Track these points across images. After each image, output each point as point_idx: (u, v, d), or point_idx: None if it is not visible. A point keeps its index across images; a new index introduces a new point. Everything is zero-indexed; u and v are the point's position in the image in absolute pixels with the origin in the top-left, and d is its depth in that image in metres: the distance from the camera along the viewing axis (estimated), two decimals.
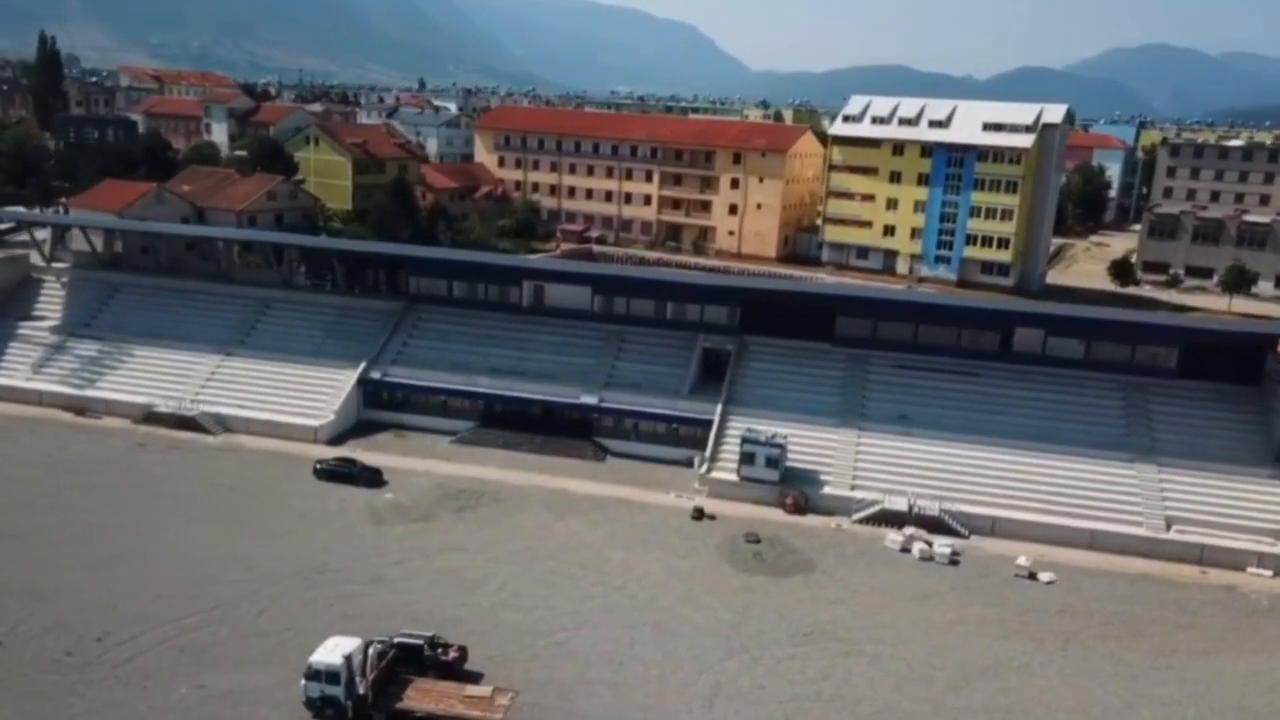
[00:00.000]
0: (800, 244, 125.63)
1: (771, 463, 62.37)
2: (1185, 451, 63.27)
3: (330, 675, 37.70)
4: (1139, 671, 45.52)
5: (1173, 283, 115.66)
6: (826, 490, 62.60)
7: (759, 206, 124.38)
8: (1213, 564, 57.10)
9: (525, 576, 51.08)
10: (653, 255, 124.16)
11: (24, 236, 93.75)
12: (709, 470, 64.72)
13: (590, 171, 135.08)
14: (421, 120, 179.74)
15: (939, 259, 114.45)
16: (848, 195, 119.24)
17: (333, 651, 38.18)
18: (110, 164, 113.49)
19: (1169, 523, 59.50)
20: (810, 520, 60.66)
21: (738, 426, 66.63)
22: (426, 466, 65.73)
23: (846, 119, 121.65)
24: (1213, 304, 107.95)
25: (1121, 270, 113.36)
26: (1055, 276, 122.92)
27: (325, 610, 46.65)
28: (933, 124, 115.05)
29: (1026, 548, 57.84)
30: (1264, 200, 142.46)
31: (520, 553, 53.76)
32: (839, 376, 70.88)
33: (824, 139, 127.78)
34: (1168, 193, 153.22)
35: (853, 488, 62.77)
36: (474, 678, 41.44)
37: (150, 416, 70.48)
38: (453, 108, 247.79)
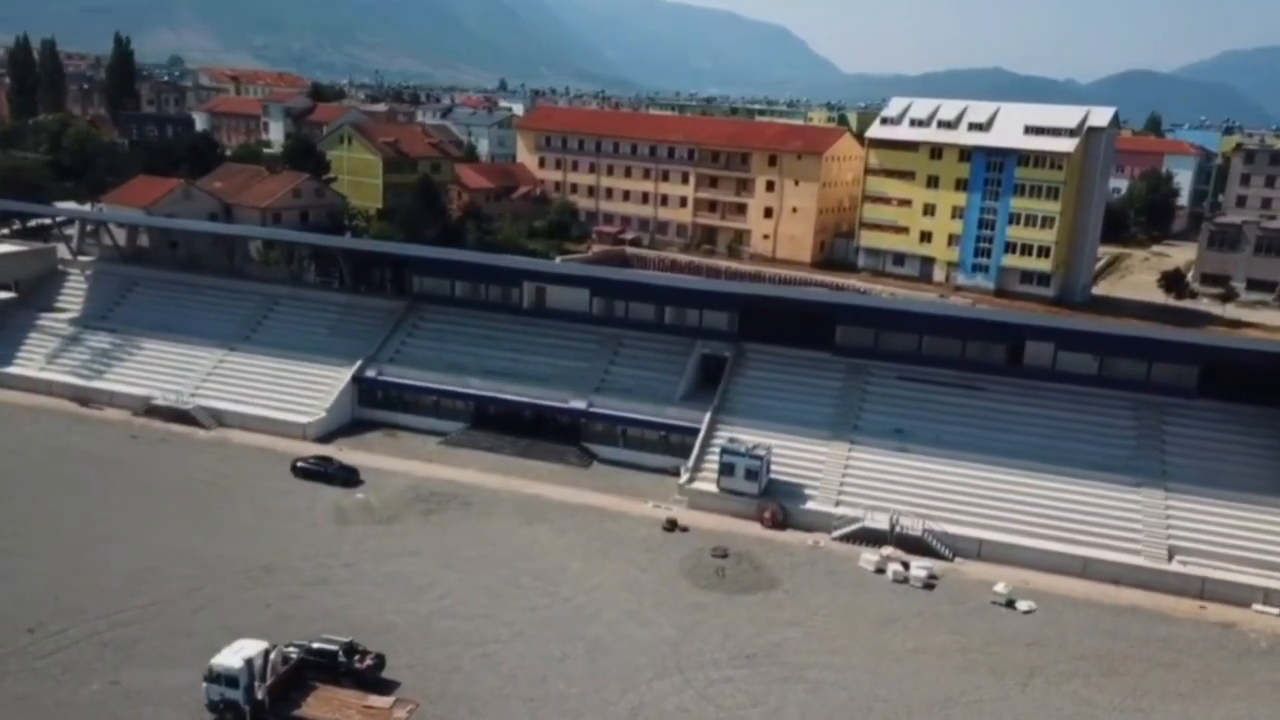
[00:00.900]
0: (837, 249, 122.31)
1: (751, 474, 60.29)
2: (1197, 477, 59.24)
3: (229, 679, 37.20)
4: (1101, 713, 42.45)
5: (1228, 297, 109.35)
6: (809, 505, 60.29)
7: (794, 210, 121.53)
8: (1215, 599, 53.23)
9: (473, 584, 50.09)
10: (685, 258, 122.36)
11: (72, 230, 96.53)
12: (691, 480, 62.92)
13: (627, 173, 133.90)
14: (474, 120, 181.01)
15: (976, 267, 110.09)
16: (884, 200, 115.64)
17: (234, 655, 37.67)
18: (154, 161, 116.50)
19: (1171, 553, 55.70)
20: (787, 536, 58.43)
21: (726, 436, 64.66)
22: (407, 467, 65.30)
23: (884, 121, 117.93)
24: (1271, 319, 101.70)
25: (1173, 282, 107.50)
26: (1108, 288, 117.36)
27: (261, 611, 46.29)
28: (972, 127, 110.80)
29: (1013, 573, 54.74)
30: None
31: (475, 559, 52.79)
32: (836, 387, 68.36)
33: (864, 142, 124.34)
34: (1241, 201, 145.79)
35: (837, 503, 60.32)
36: (389, 687, 40.55)
37: (149, 409, 71.51)
38: (519, 109, 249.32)
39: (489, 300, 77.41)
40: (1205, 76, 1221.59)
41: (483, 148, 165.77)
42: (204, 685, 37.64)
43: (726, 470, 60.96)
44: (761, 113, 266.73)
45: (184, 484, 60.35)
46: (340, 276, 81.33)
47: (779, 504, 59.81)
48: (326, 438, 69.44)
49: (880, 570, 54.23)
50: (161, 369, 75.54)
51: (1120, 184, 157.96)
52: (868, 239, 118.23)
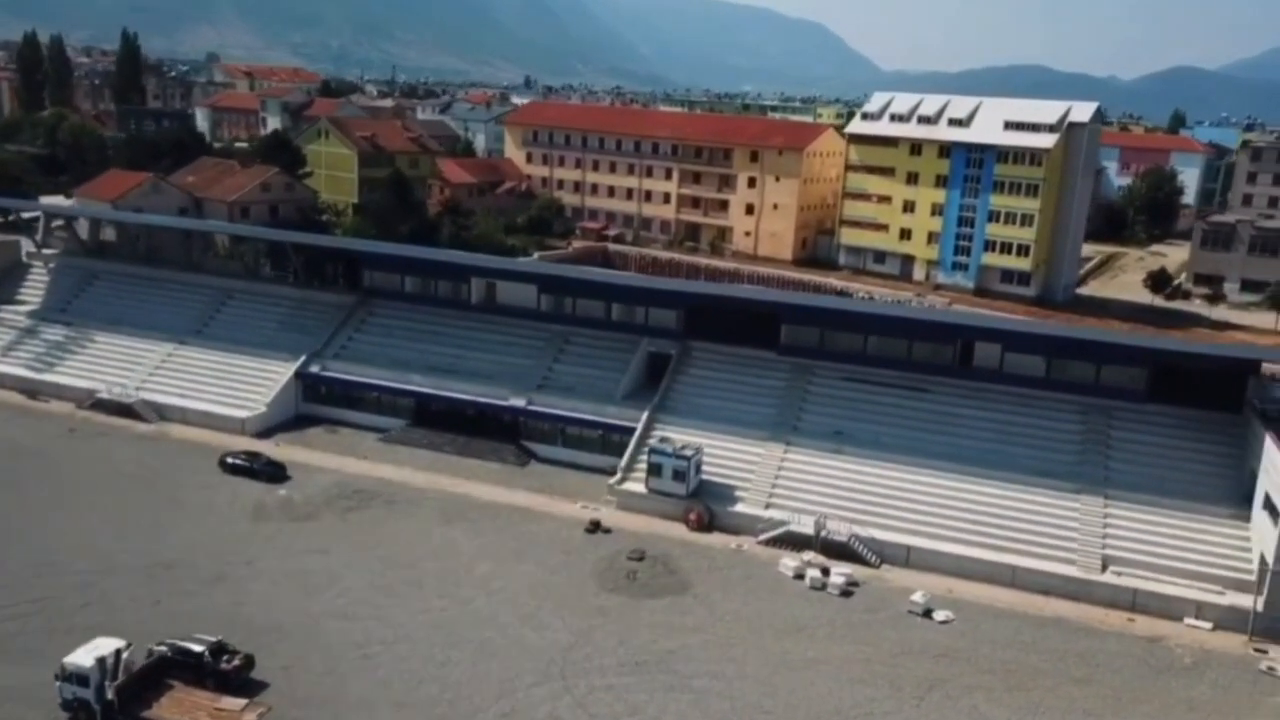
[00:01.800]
0: (820, 247, 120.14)
1: (678, 475, 58.95)
2: (1140, 484, 57.08)
3: (80, 678, 36.60)
4: None
5: (1215, 298, 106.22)
6: (738, 507, 58.88)
7: (775, 207, 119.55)
8: (1146, 612, 51.18)
9: (373, 584, 49.23)
10: (666, 255, 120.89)
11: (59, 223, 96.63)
12: (622, 481, 61.71)
13: (612, 168, 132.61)
14: (472, 116, 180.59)
15: (956, 265, 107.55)
16: (864, 196, 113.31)
17: (87, 653, 37.07)
18: (139, 155, 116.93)
19: (1105, 563, 53.65)
20: (712, 539, 57.08)
21: (662, 435, 63.38)
22: (340, 464, 64.62)
23: (865, 116, 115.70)
24: (1260, 321, 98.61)
25: (1159, 282, 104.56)
26: (1098, 288, 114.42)
27: (149, 608, 45.75)
28: (952, 122, 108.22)
29: (939, 581, 53.11)
30: None
31: (382, 559, 51.93)
32: (779, 387, 66.82)
33: None
34: (1247, 200, 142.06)
35: (767, 506, 58.83)
36: (256, 688, 39.82)
37: (94, 403, 71.38)
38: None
39: (439, 296, 76.69)
40: (1252, 73, 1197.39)
41: (479, 143, 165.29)
42: (57, 684, 37.01)
43: (654, 471, 59.70)
44: (774, 109, 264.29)
45: (109, 478, 60.06)
46: (295, 271, 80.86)
47: (705, 506, 58.45)
48: (266, 433, 68.90)
49: (799, 576, 52.74)
50: (111, 362, 75.46)
51: (1126, 182, 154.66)
52: (848, 236, 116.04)
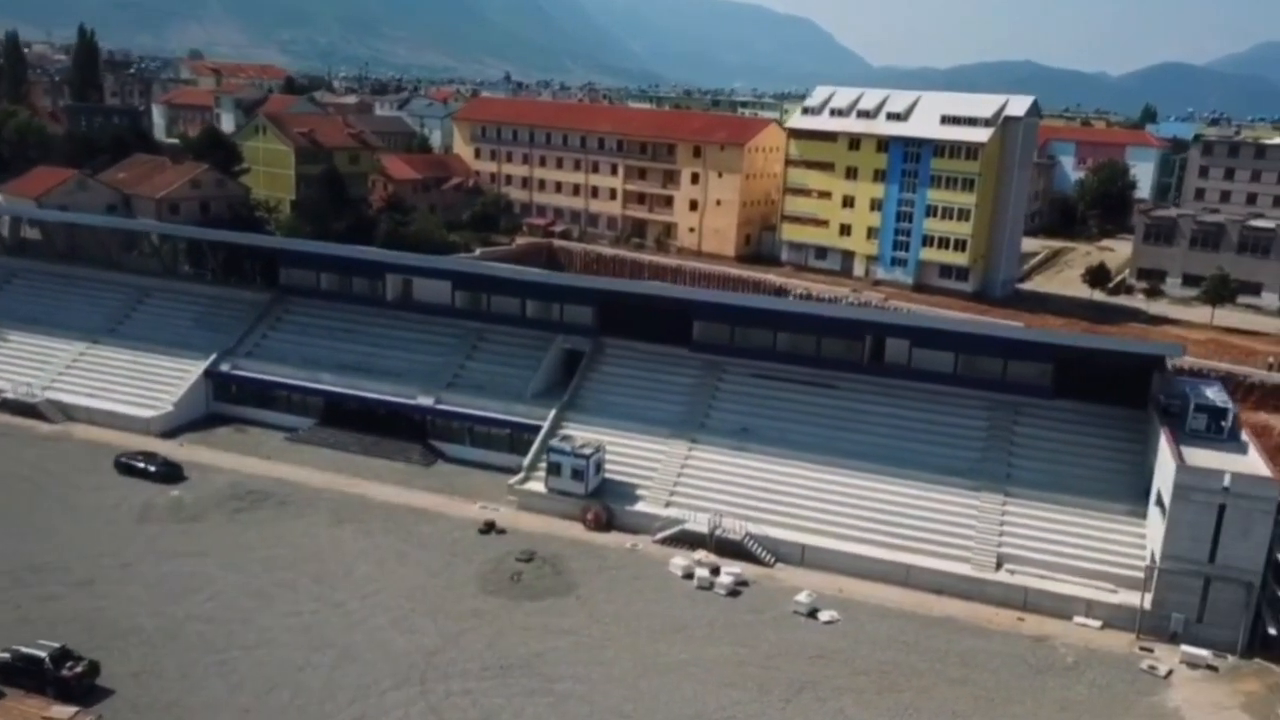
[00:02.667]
0: (765, 243, 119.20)
1: (577, 474, 58.17)
2: (1041, 481, 56.48)
3: None
4: None
5: (1153, 292, 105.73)
6: (638, 506, 58.12)
7: (718, 203, 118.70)
8: (1037, 610, 50.63)
9: (246, 587, 48.29)
10: (610, 252, 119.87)
11: None
12: (525, 480, 60.89)
13: (559, 164, 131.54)
14: (429, 112, 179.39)
15: (895, 261, 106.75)
16: (805, 192, 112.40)
17: None
18: (78, 152, 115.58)
19: (1000, 561, 53.08)
20: (608, 538, 56.30)
21: (570, 434, 62.58)
22: (241, 464, 63.62)
23: (806, 111, 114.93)
24: (1196, 316, 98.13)
25: (1097, 277, 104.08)
26: (1042, 283, 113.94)
27: (9, 613, 44.70)
28: (890, 116, 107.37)
29: (831, 580, 52.47)
30: None
31: (262, 560, 51.01)
32: (690, 384, 66.04)
33: None
34: (1199, 194, 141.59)
35: (667, 504, 58.10)
36: (99, 695, 38.93)
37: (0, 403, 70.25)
38: None
39: (355, 293, 75.72)
40: (1240, 69, 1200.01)
41: (435, 139, 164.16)
42: None
43: (554, 470, 58.91)
44: (745, 105, 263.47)
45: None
46: (213, 269, 79.82)
47: (604, 505, 57.67)
48: (172, 433, 67.87)
49: (688, 576, 51.99)
50: (22, 362, 74.18)
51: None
52: (790, 232, 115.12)
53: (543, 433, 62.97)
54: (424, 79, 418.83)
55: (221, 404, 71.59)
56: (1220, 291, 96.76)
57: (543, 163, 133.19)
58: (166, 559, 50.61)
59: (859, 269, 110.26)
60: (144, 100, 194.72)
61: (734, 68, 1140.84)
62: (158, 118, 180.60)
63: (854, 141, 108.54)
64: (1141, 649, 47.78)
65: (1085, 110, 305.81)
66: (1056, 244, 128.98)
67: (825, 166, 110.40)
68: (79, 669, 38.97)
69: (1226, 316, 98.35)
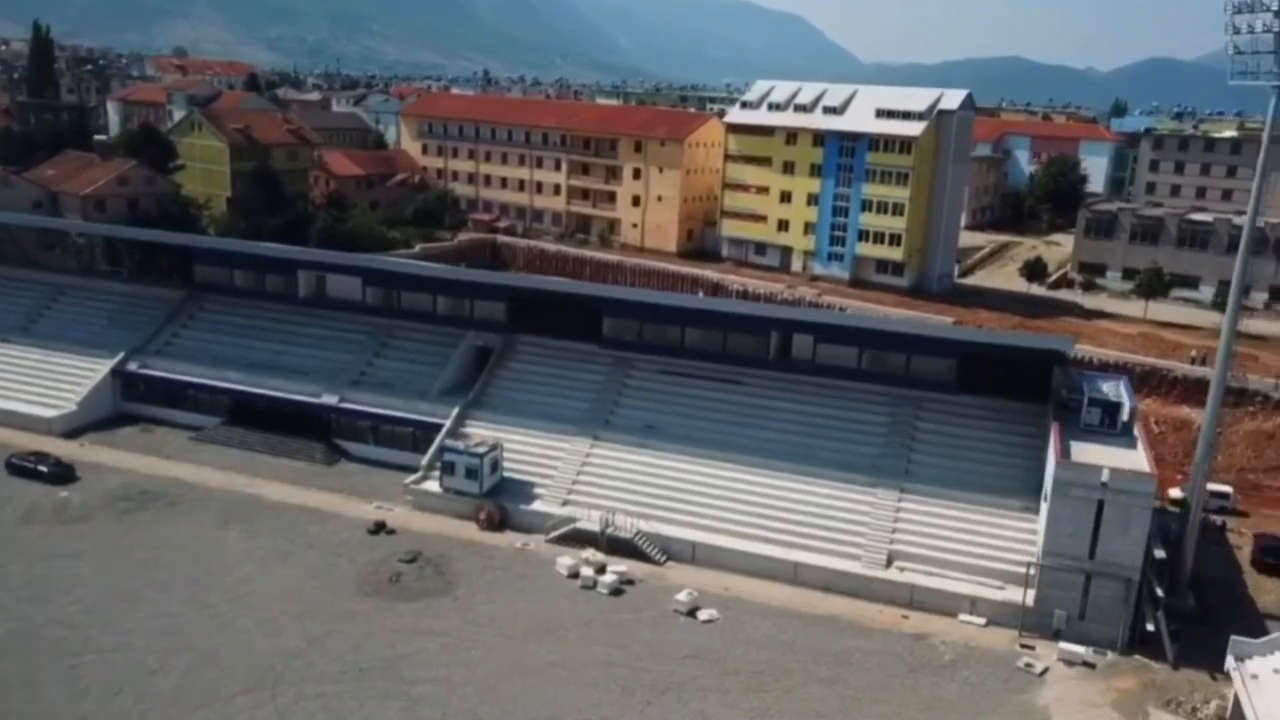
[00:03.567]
0: (707, 239, 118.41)
1: (471, 473, 57.46)
2: (939, 477, 55.96)
3: None
4: None
5: (1089, 286, 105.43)
6: (533, 505, 57.46)
7: (660, 198, 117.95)
8: (924, 608, 50.12)
9: (116, 589, 47.50)
10: (553, 248, 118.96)
11: None
12: (421, 480, 60.15)
13: (504, 159, 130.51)
14: (384, 108, 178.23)
15: (832, 256, 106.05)
16: (743, 187, 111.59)
17: None
18: (12, 149, 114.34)
19: (891, 558, 52.59)
20: (500, 538, 55.64)
21: (473, 432, 61.92)
22: (138, 464, 62.74)
23: (744, 105, 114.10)
24: (1132, 310, 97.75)
25: (1035, 272, 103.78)
26: (984, 278, 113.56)
27: None
28: (826, 110, 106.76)
29: (719, 578, 51.92)
30: None
31: (137, 562, 50.23)
32: (598, 381, 65.38)
33: None
34: (1150, 188, 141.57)
35: (564, 503, 57.48)
36: None
37: None
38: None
39: (268, 290, 74.87)
40: (1225, 64, 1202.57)
41: (390, 135, 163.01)
42: None
43: (448, 469, 58.22)
44: (714, 100, 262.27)
45: None
46: (128, 266, 78.82)
47: (496, 504, 57.00)
48: (75, 433, 66.96)
49: (573, 575, 51.38)
50: None
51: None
52: (729, 228, 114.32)
53: (443, 432, 62.22)
54: (413, 76, 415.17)
55: (130, 403, 70.69)
56: (1154, 285, 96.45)
57: (488, 158, 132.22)
58: (40, 561, 49.78)
59: (797, 265, 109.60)
60: (100, 97, 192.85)
61: (725, 64, 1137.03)
62: (112, 114, 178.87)
63: (790, 136, 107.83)
64: (1023, 646, 47.35)
65: (1075, 106, 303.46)
66: (1004, 238, 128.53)
67: (763, 161, 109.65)
68: None
69: (1163, 310, 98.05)
